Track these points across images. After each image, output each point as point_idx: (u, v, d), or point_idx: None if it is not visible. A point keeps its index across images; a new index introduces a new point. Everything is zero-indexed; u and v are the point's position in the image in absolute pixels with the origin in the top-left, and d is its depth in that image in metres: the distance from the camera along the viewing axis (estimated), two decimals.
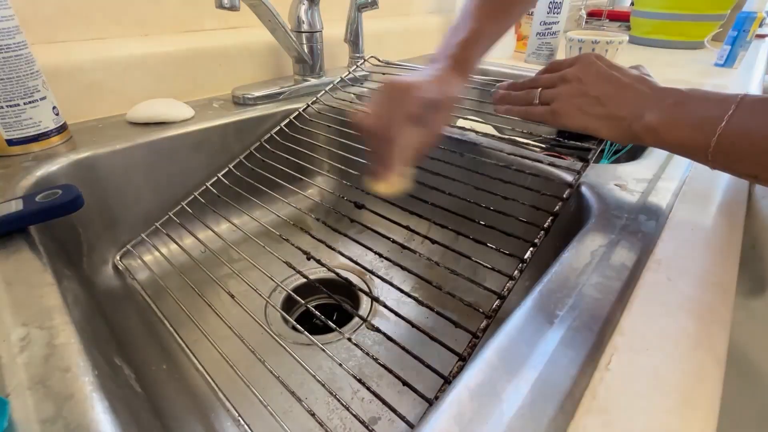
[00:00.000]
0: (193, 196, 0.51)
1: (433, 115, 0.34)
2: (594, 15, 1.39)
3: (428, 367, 0.28)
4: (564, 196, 0.37)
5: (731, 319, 0.24)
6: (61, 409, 0.19)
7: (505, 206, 0.37)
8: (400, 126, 0.32)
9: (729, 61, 0.87)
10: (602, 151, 0.65)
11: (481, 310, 0.30)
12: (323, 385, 0.28)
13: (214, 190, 0.51)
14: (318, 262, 0.38)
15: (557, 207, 0.36)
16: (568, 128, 0.37)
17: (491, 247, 0.34)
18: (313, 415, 0.27)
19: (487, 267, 0.33)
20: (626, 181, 0.40)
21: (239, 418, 0.28)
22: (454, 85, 0.36)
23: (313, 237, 0.41)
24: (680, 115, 0.31)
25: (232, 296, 0.36)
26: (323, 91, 0.62)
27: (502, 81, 0.46)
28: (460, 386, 0.20)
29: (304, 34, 0.61)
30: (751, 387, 0.35)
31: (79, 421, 0.19)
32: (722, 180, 0.39)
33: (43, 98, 0.43)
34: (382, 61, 0.71)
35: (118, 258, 0.47)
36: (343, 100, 0.61)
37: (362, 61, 0.70)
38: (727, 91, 0.30)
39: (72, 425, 0.18)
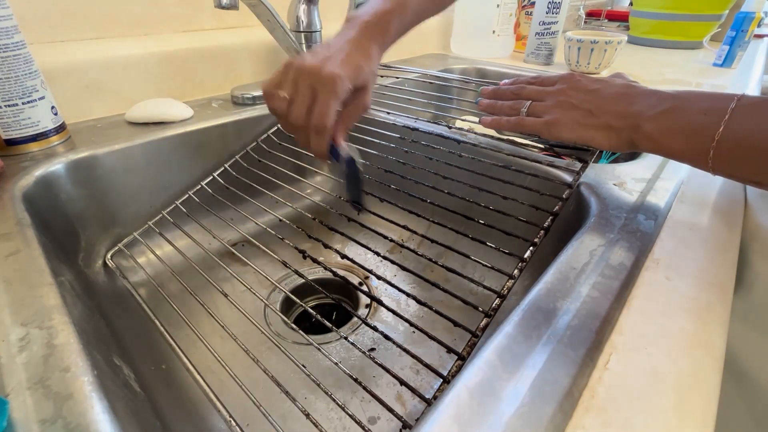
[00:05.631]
0: (187, 195, 0.51)
1: (358, 97, 0.33)
2: (593, 15, 1.39)
3: (427, 366, 0.28)
4: (564, 196, 0.37)
5: (729, 318, 0.25)
6: (60, 409, 0.19)
7: (504, 206, 0.37)
8: (330, 119, 0.30)
9: (727, 61, 0.87)
10: (601, 151, 0.65)
11: (481, 308, 0.30)
12: (320, 386, 0.28)
13: (209, 190, 0.51)
14: (315, 261, 0.38)
15: (557, 207, 0.36)
16: (564, 140, 0.37)
17: (491, 247, 0.34)
18: (307, 416, 0.27)
19: (486, 266, 0.33)
20: (625, 180, 0.40)
21: (230, 419, 0.28)
22: (373, 58, 0.34)
23: (311, 237, 0.41)
24: (677, 122, 0.30)
25: (226, 296, 0.36)
26: None
27: (496, 83, 0.46)
28: (459, 385, 0.20)
29: (303, 34, 0.61)
30: (736, 384, 0.35)
31: (79, 421, 0.19)
32: (720, 180, 0.39)
33: (42, 98, 0.43)
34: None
35: (109, 257, 0.47)
36: None
37: None
38: (726, 91, 0.29)
39: (71, 425, 0.18)
